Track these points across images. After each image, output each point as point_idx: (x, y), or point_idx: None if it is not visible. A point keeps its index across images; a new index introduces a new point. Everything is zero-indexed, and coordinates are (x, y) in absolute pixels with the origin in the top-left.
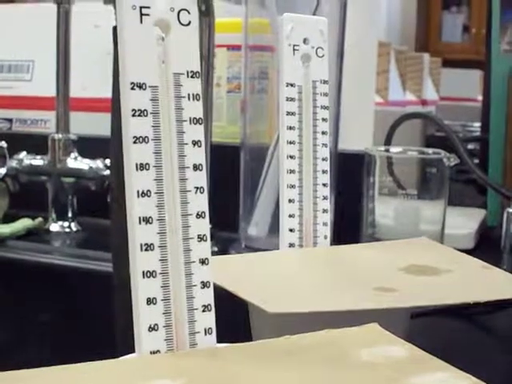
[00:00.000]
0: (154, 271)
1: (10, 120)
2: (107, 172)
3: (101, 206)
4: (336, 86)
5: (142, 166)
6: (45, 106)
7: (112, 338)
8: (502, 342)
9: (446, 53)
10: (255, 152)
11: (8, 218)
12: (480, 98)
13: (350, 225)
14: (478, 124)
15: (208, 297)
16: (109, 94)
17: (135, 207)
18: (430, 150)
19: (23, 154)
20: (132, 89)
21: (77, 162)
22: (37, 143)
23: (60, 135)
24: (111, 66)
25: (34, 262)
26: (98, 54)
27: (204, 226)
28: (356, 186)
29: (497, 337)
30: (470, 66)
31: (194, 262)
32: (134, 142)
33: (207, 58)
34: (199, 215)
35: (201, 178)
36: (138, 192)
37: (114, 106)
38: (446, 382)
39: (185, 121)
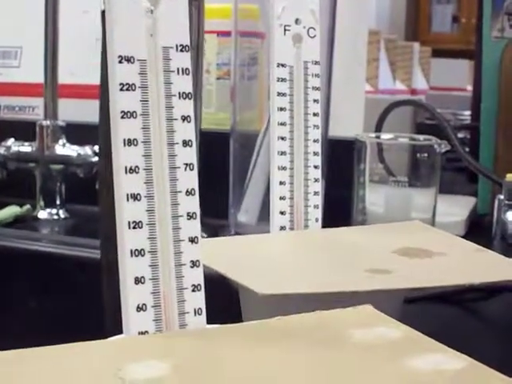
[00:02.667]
0: (142, 249)
1: None
2: (96, 158)
3: (89, 192)
4: (326, 71)
5: (129, 142)
6: (33, 93)
7: (102, 324)
8: (495, 328)
9: (435, 43)
10: (245, 139)
11: None
12: (469, 87)
13: (340, 212)
14: (468, 112)
15: (198, 276)
16: (97, 81)
17: (123, 184)
18: (421, 137)
19: (11, 141)
20: (120, 62)
21: (65, 148)
22: (25, 130)
23: (48, 122)
24: (99, 52)
25: (22, 250)
26: (87, 40)
27: (193, 204)
28: (346, 173)
29: (489, 323)
30: (460, 56)
31: (183, 240)
32: (122, 117)
33: (197, 42)
34: (189, 192)
35: (190, 155)
36: (125, 168)
37: (102, 83)
38: (443, 362)
39: (174, 95)
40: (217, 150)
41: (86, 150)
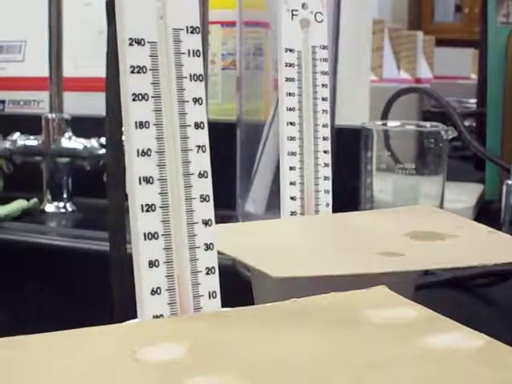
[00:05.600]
0: (155, 233)
1: (3, 101)
2: (102, 151)
3: (96, 185)
4: (332, 60)
5: (141, 124)
6: (38, 87)
7: (110, 316)
8: (504, 314)
9: (438, 32)
10: (251, 129)
11: (3, 200)
12: (473, 76)
13: (347, 201)
14: (473, 100)
15: (212, 259)
16: (101, 74)
17: (135, 166)
18: (428, 124)
19: (17, 135)
20: (130, 45)
21: (71, 141)
22: (30, 124)
23: (54, 115)
24: (103, 45)
25: (30, 243)
26: (90, 33)
27: (207, 187)
28: (353, 161)
29: (498, 309)
30: (463, 45)
31: (196, 223)
32: (134, 100)
33: (201, 33)
34: (201, 175)
35: (202, 137)
36: (137, 151)
37: (108, 72)
38: (460, 341)
39: (185, 77)
40: (223, 141)
41: (93, 143)
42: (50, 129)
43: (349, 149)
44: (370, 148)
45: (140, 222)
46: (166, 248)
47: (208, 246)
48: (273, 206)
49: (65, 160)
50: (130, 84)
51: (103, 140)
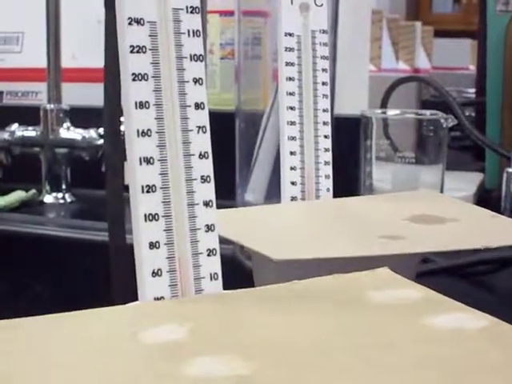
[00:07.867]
0: (156, 214)
1: (1, 92)
2: (101, 141)
3: (94, 176)
4: (331, 50)
5: (141, 105)
6: (35, 78)
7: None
8: (505, 301)
9: (436, 23)
10: (250, 118)
11: (1, 191)
12: (471, 67)
13: (347, 190)
14: (472, 90)
15: (213, 241)
16: (100, 64)
17: (135, 147)
18: (428, 112)
19: (15, 126)
20: (130, 24)
21: (69, 132)
22: (29, 115)
23: (52, 106)
24: (102, 35)
25: (29, 234)
26: (88, 23)
27: (207, 167)
28: (352, 151)
29: (501, 295)
30: (461, 36)
31: (197, 204)
32: (133, 80)
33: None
34: (202, 155)
35: (203, 117)
36: (138, 131)
37: (107, 44)
38: (464, 321)
39: (185, 58)
40: (222, 131)
41: (91, 133)
42: (48, 120)
43: (348, 138)
44: (369, 136)
45: (140, 203)
46: (166, 229)
47: (209, 228)
48: (272, 195)
49: (63, 151)
50: (129, 64)
51: (102, 130)
